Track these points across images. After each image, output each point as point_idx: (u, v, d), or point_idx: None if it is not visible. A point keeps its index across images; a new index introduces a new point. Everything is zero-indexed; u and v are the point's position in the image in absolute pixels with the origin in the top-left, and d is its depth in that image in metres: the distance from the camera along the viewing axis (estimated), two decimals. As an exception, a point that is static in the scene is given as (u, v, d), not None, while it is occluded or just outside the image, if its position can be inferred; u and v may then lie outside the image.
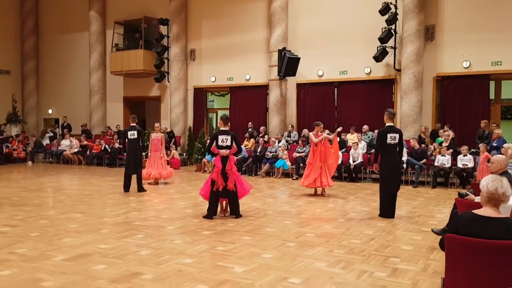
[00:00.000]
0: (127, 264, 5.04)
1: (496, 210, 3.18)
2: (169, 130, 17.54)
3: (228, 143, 7.58)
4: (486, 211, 3.19)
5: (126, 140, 10.60)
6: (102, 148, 17.63)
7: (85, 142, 18.54)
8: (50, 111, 22.38)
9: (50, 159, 19.07)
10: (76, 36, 21.25)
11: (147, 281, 4.53)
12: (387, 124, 7.85)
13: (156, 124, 12.48)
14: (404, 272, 4.87)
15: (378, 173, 8.10)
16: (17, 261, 5.13)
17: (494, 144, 11.60)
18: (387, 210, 7.81)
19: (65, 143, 18.81)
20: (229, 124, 7.85)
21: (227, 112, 18.22)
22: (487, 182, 3.19)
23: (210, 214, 7.59)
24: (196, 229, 6.83)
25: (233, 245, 5.91)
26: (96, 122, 20.18)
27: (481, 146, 11.21)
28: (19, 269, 4.86)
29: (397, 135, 7.73)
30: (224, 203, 7.95)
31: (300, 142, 14.34)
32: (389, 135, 7.69)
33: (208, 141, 8.16)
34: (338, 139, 10.24)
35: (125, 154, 11.59)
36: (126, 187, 10.59)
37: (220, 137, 7.58)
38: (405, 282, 4.55)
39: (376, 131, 12.59)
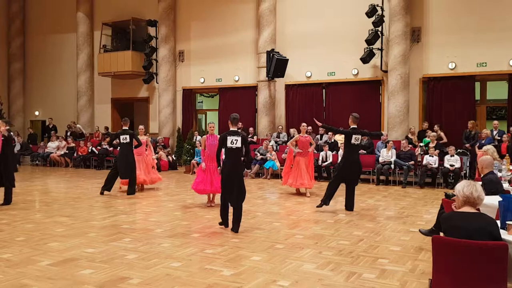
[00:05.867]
0: (114, 269, 4.99)
1: (473, 209, 3.41)
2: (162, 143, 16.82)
3: (239, 144, 6.96)
4: (464, 209, 3.43)
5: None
6: (89, 150, 17.47)
7: (72, 144, 18.37)
8: (37, 113, 22.13)
9: (37, 162, 18.85)
10: (63, 37, 21.05)
11: (134, 285, 4.48)
12: (351, 127, 8.57)
13: (141, 127, 11.80)
14: (393, 273, 4.89)
15: (338, 165, 8.96)
16: (2, 266, 5.05)
17: (483, 142, 11.76)
18: (330, 197, 8.60)
19: (52, 145, 18.62)
20: (238, 124, 7.46)
21: (216, 113, 18.23)
22: (462, 187, 3.43)
23: (225, 222, 7.17)
24: (185, 232, 6.80)
25: (221, 247, 5.89)
26: (84, 123, 19.97)
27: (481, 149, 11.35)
28: (3, 274, 4.79)
29: (359, 137, 8.58)
30: (211, 195, 8.00)
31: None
32: (353, 136, 8.51)
33: (198, 142, 8.16)
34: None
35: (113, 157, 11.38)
36: (106, 188, 10.38)
37: (230, 138, 7.01)
38: (393, 284, 4.57)
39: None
